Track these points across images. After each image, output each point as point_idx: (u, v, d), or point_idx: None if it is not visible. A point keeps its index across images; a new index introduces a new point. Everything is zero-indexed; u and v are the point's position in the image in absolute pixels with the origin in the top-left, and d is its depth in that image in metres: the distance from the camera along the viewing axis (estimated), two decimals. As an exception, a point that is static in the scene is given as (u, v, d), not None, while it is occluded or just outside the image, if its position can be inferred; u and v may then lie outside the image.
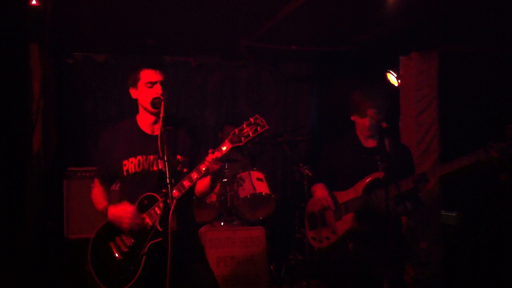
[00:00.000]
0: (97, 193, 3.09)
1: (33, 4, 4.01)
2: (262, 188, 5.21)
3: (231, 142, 2.63)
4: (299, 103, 7.22)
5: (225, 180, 5.20)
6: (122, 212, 2.84)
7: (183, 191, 2.76)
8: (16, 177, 4.49)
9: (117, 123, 3.11)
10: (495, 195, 4.60)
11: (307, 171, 5.04)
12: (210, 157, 2.65)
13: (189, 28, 5.28)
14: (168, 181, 2.49)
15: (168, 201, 2.50)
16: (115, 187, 3.16)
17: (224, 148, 2.65)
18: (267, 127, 2.59)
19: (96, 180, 3.12)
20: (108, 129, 3.09)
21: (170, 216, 2.49)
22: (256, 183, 5.20)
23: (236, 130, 2.62)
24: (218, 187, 5.13)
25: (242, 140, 2.60)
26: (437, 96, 5.16)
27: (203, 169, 2.71)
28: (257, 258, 4.76)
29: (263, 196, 5.22)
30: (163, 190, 2.51)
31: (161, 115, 2.66)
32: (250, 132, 2.59)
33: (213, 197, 5.12)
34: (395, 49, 5.42)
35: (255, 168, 5.46)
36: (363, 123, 3.48)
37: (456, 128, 5.18)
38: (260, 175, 5.34)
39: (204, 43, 6.00)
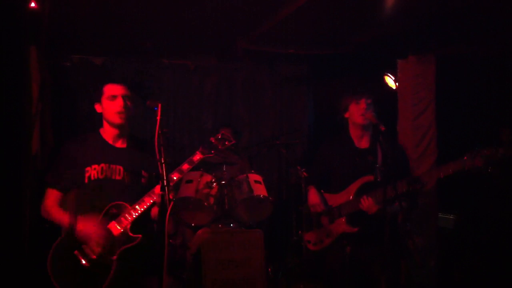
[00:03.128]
0: (53, 205, 3.08)
1: (32, 7, 4.00)
2: (260, 190, 5.19)
3: (202, 153, 3.11)
4: (296, 105, 7.21)
5: (223, 182, 5.19)
6: (91, 230, 2.89)
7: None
8: (13, 179, 4.48)
9: (79, 135, 3.29)
10: (489, 196, 4.61)
11: (305, 173, 5.04)
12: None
13: (186, 30, 5.28)
14: (165, 183, 2.54)
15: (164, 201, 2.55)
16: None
17: (196, 158, 3.09)
18: (234, 141, 3.20)
19: (51, 190, 3.12)
20: (69, 140, 3.24)
21: (167, 217, 2.51)
22: (254, 185, 5.18)
23: (206, 144, 3.14)
24: (215, 189, 5.12)
25: (212, 152, 3.14)
26: (435, 99, 5.17)
27: (175, 178, 3.01)
28: (255, 261, 4.75)
29: (261, 199, 5.20)
30: (160, 192, 2.54)
31: (158, 118, 2.70)
32: (219, 146, 3.17)
33: (211, 200, 5.11)
34: (392, 52, 5.43)
35: (253, 171, 5.45)
36: (357, 110, 3.48)
37: (454, 131, 5.19)
38: (258, 177, 5.33)
39: (201, 45, 6.00)
